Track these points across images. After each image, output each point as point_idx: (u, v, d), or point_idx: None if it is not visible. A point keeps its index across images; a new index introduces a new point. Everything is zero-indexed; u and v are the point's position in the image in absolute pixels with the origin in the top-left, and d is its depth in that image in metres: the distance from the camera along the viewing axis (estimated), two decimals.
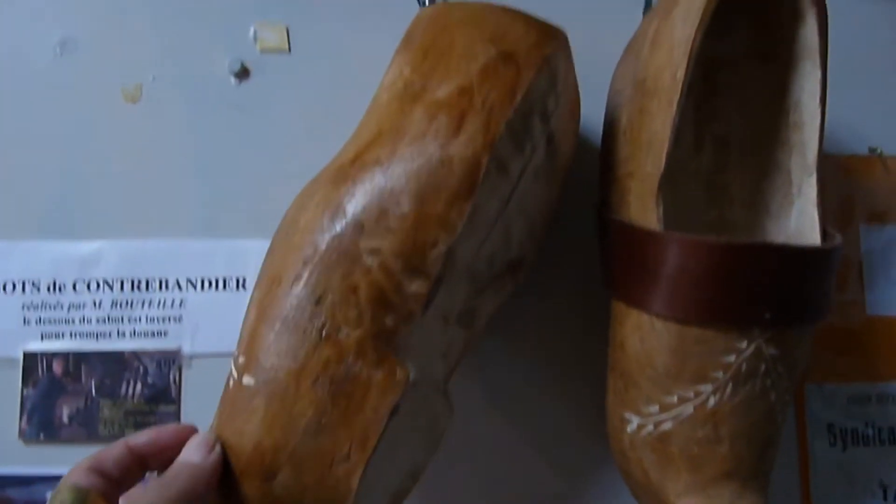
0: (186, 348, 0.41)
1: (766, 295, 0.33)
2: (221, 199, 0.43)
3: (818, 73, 0.38)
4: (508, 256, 0.35)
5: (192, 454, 0.30)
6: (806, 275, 0.34)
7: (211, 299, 0.42)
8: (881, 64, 0.47)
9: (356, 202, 0.32)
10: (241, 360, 0.32)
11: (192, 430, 0.32)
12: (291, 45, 0.45)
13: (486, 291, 0.35)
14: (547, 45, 0.34)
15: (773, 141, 0.41)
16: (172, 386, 0.41)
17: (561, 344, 0.43)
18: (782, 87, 0.40)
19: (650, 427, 0.35)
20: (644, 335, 0.35)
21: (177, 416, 0.41)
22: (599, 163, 0.42)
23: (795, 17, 0.38)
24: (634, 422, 0.36)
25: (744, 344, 0.34)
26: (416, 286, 0.31)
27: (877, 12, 0.48)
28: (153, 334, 0.41)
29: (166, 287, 0.42)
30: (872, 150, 0.47)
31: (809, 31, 0.38)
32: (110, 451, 0.30)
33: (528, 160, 0.34)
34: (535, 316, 0.43)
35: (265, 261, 0.34)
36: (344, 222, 0.31)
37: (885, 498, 0.44)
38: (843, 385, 0.44)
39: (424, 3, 0.40)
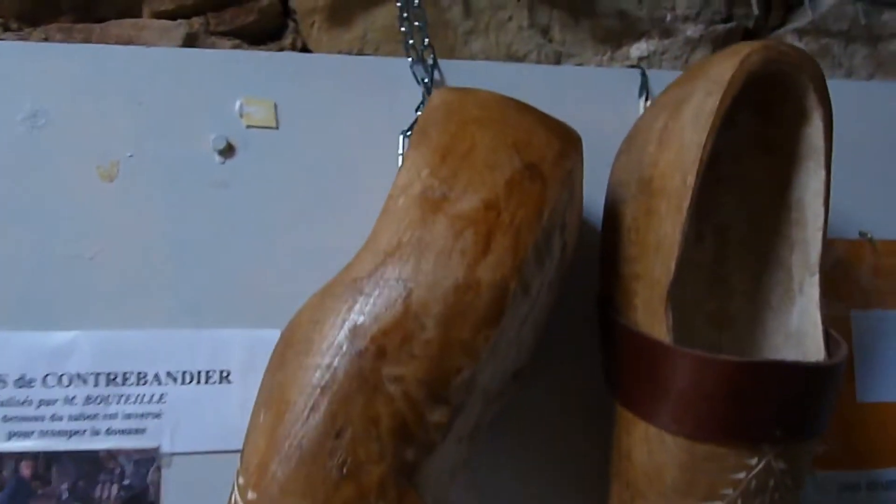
0: (166, 446, 0.39)
1: (778, 412, 0.33)
2: (204, 286, 0.41)
3: (822, 174, 0.38)
4: (515, 367, 0.34)
5: None
6: (817, 390, 0.34)
7: (193, 393, 0.40)
8: (872, 149, 0.48)
9: (377, 323, 0.30)
10: (253, 496, 0.29)
11: None
12: (279, 120, 0.43)
13: (492, 405, 0.34)
14: (569, 156, 0.33)
15: (774, 235, 0.40)
16: (151, 487, 0.39)
17: (554, 443, 0.42)
18: (785, 182, 0.40)
19: None
20: (652, 448, 0.34)
21: None
22: (601, 255, 0.41)
23: (801, 116, 0.38)
24: None
25: (754, 460, 0.33)
26: (438, 415, 0.30)
27: (864, 96, 0.49)
28: (130, 432, 0.39)
29: (145, 381, 0.39)
30: (863, 235, 0.47)
31: (815, 131, 0.37)
32: None
33: (546, 276, 0.33)
34: (528, 411, 0.42)
35: (272, 376, 0.32)
36: (364, 345, 0.29)
37: None
38: (835, 473, 0.44)
39: (426, 83, 0.39)
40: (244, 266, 0.41)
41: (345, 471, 0.29)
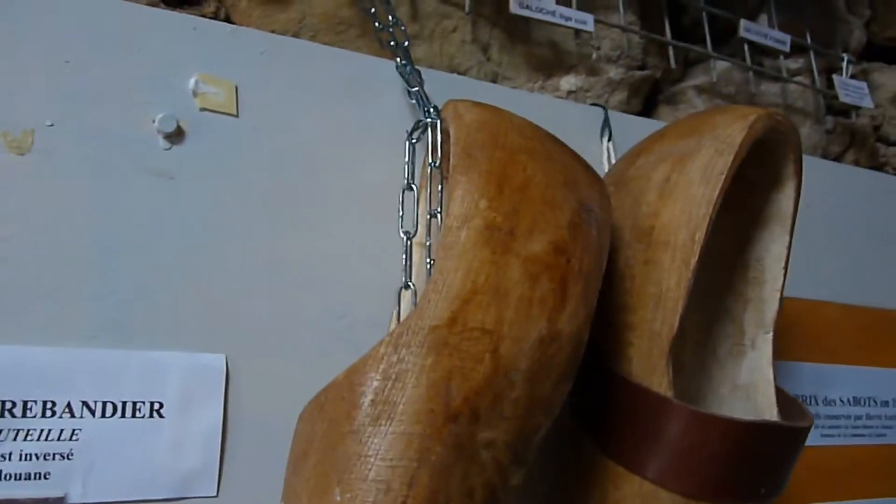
0: (75, 496, 0.31)
1: (766, 471, 0.34)
2: (135, 297, 0.33)
3: (786, 239, 0.40)
4: None
5: None
6: (796, 449, 0.35)
7: (114, 430, 0.32)
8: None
9: (468, 384, 0.26)
10: None
11: None
12: (240, 106, 0.36)
13: None
14: (608, 198, 0.32)
15: (727, 289, 0.42)
16: None
17: None
18: (745, 241, 0.41)
19: None
20: None
21: None
22: None
23: (775, 182, 0.40)
24: None
25: None
26: (516, 478, 0.27)
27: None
28: (30, 477, 0.31)
29: (52, 412, 0.31)
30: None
31: (786, 198, 0.40)
32: None
33: None
34: None
35: (340, 442, 0.26)
36: (457, 408, 0.26)
37: None
38: None
39: (429, 111, 0.35)
40: (186, 276, 0.34)
41: None
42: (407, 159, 0.35)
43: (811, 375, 0.52)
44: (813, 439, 0.51)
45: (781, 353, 0.51)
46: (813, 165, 0.56)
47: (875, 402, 0.54)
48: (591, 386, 0.37)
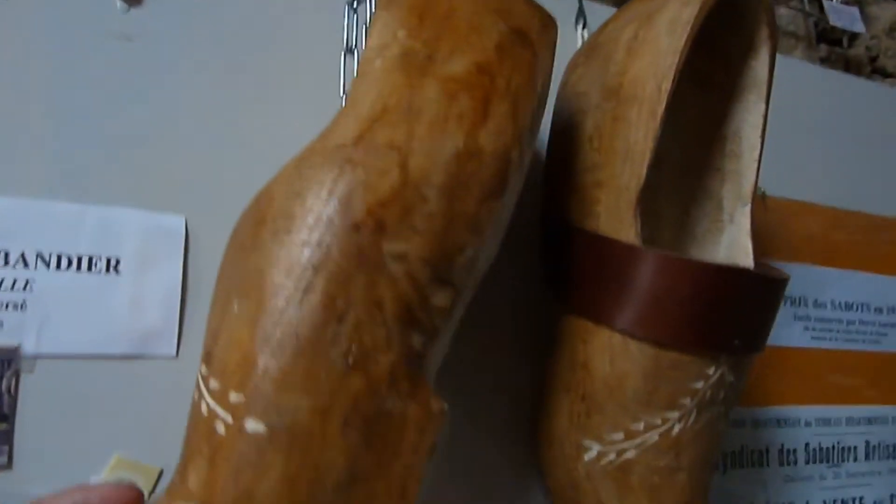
0: (29, 346, 0.31)
1: (740, 321, 0.33)
2: (93, 154, 0.33)
3: (762, 107, 0.39)
4: (492, 260, 0.31)
5: None
6: (771, 303, 0.34)
7: (69, 283, 0.32)
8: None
9: (373, 195, 0.25)
10: (237, 398, 0.24)
11: (133, 494, 0.23)
12: None
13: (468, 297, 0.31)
14: (551, 30, 0.31)
15: (704, 167, 0.41)
16: (5, 397, 0.30)
17: (484, 361, 0.39)
18: (720, 117, 0.40)
19: (612, 456, 0.33)
20: (615, 356, 0.33)
21: (8, 438, 0.30)
22: (547, 171, 0.39)
23: (749, 49, 0.39)
24: (594, 450, 0.33)
25: (712, 370, 0.33)
26: (441, 298, 0.26)
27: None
28: None
29: (5, 261, 0.31)
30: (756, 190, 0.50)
31: (760, 64, 0.39)
32: None
33: (531, 152, 0.30)
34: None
35: (243, 260, 0.26)
36: (361, 219, 0.25)
37: None
38: None
39: None
40: (146, 137, 0.34)
41: (350, 360, 0.24)
42: (346, 22, 0.34)
43: (800, 277, 0.50)
44: (803, 341, 0.49)
45: (769, 253, 0.49)
46: (805, 70, 0.55)
47: (869, 308, 0.53)
48: (559, 249, 0.36)
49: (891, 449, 0.52)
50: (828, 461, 0.49)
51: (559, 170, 0.38)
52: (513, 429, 0.39)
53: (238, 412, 0.24)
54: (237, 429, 0.24)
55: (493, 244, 0.29)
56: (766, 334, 0.35)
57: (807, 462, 0.49)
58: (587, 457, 0.33)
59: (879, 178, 0.55)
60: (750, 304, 0.33)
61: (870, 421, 0.51)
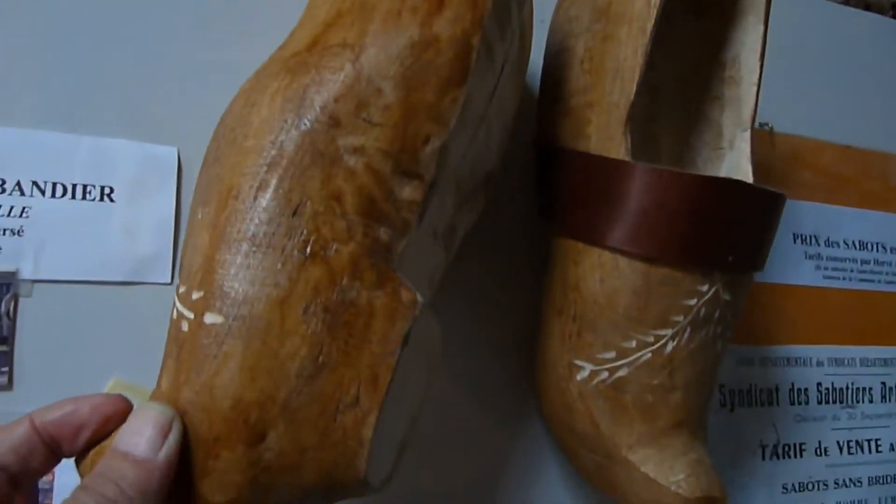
0: (27, 271, 0.32)
1: (733, 236, 0.32)
2: (86, 85, 0.34)
3: (760, 29, 0.38)
4: (487, 166, 0.31)
5: (138, 443, 0.22)
6: (767, 219, 0.34)
7: (64, 210, 0.32)
8: (776, 42, 0.49)
9: (325, 92, 0.25)
10: (198, 295, 0.25)
11: (123, 404, 0.24)
12: None
13: (465, 205, 0.31)
14: None
15: (703, 95, 0.40)
16: (4, 320, 0.31)
17: (476, 286, 0.39)
18: (718, 43, 0.40)
19: (604, 374, 0.33)
20: (605, 275, 0.32)
21: (8, 360, 0.31)
22: (541, 95, 0.39)
23: None
24: (587, 369, 0.33)
25: (705, 287, 0.32)
26: (409, 191, 0.26)
27: None
28: None
29: (3, 189, 0.32)
30: (763, 125, 0.49)
31: None
32: (10, 431, 0.22)
33: (508, 48, 0.30)
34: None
35: (207, 174, 0.27)
36: (314, 116, 0.25)
37: (763, 457, 0.45)
38: (733, 347, 0.45)
39: None
40: (139, 69, 0.34)
41: (309, 250, 0.24)
42: None
43: (811, 214, 0.49)
44: (814, 280, 0.49)
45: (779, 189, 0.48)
46: (818, 6, 0.54)
47: (885, 248, 0.52)
48: (551, 174, 0.36)
49: None
50: (841, 402, 0.48)
51: (552, 96, 0.37)
52: (514, 355, 0.39)
53: (198, 308, 0.24)
54: (198, 324, 0.24)
55: (466, 138, 0.28)
56: (764, 252, 0.34)
57: (819, 402, 0.48)
58: (579, 377, 0.33)
59: (894, 117, 0.54)
60: (743, 218, 0.32)
61: (885, 362, 0.50)
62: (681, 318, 0.32)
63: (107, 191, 0.33)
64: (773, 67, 0.49)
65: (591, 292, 0.33)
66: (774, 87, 0.49)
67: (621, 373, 0.32)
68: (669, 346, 0.32)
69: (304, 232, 0.25)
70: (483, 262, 0.39)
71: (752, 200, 0.32)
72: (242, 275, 0.24)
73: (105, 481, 0.21)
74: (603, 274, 0.32)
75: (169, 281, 0.34)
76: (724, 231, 0.32)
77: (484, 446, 0.38)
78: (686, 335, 0.32)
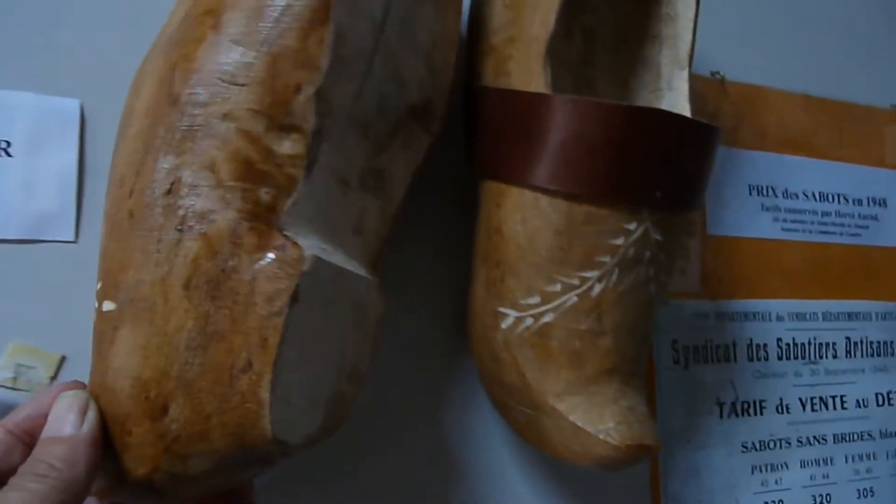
0: None
1: (660, 170, 0.30)
2: None
3: None
4: (407, 101, 0.29)
5: (62, 426, 0.24)
6: (697, 152, 0.32)
7: None
8: None
9: (191, 65, 0.26)
10: (99, 286, 0.26)
11: (79, 385, 0.26)
12: None
13: (391, 147, 0.29)
14: None
15: (641, 35, 0.39)
16: None
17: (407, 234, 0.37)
18: None
19: (529, 321, 0.31)
20: (527, 215, 0.31)
21: None
22: (468, 35, 0.37)
23: None
24: (511, 316, 0.31)
25: (633, 225, 0.31)
26: (289, 146, 0.25)
27: None
28: None
29: None
30: (714, 74, 0.47)
31: None
32: None
33: None
34: None
35: (110, 167, 0.28)
36: (182, 92, 0.26)
37: (721, 415, 0.44)
38: (687, 301, 0.44)
39: None
40: (38, 17, 0.33)
41: (184, 226, 0.25)
42: None
43: (767, 165, 0.47)
44: (772, 232, 0.47)
45: (732, 140, 0.47)
46: None
47: (846, 199, 0.50)
48: (474, 115, 0.34)
49: (875, 346, 0.49)
50: (803, 357, 0.47)
51: (477, 35, 0.35)
52: (451, 310, 0.37)
53: (100, 297, 0.26)
54: (99, 313, 0.26)
55: (353, 76, 0.27)
56: (697, 190, 0.33)
57: (779, 358, 0.46)
58: (504, 324, 0.31)
59: (854, 64, 0.52)
60: (670, 151, 0.30)
61: (850, 317, 0.49)
62: (607, 259, 0.30)
63: (3, 144, 0.31)
64: (724, 12, 0.48)
65: (512, 234, 0.31)
66: (726, 33, 0.48)
67: (546, 318, 0.31)
68: (597, 289, 0.30)
69: (181, 209, 0.25)
70: (424, 217, 0.37)
71: (679, 132, 0.31)
72: (126, 260, 0.25)
73: (37, 463, 0.23)
74: (524, 214, 0.31)
75: (73, 238, 0.32)
76: (650, 165, 0.30)
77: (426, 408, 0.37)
78: (614, 277, 0.31)
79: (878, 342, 0.49)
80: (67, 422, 0.24)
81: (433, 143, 0.32)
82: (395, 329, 0.35)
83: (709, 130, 0.32)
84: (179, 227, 0.25)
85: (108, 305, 0.26)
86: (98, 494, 0.26)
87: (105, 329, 0.26)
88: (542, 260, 0.30)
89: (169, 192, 0.25)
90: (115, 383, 0.25)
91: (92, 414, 0.24)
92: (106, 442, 0.25)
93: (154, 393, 0.24)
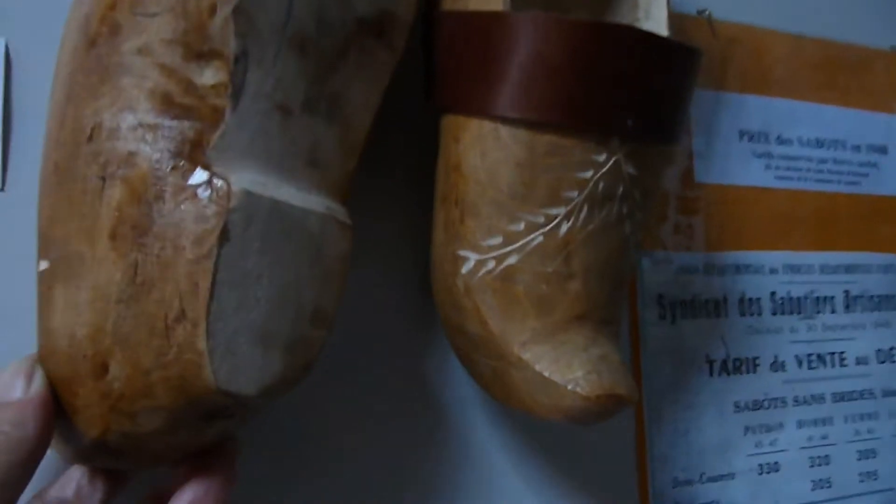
0: None
1: (630, 93, 0.28)
2: None
3: None
4: (354, 13, 0.26)
5: (9, 392, 0.23)
6: (673, 77, 0.29)
7: None
8: None
9: (102, 3, 0.24)
10: (37, 246, 0.25)
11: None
12: None
13: (342, 68, 0.26)
14: None
15: None
16: None
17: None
18: None
19: (491, 264, 0.28)
20: (486, 148, 0.28)
21: None
22: None
23: None
24: (472, 259, 0.29)
25: (602, 157, 0.28)
26: (210, 74, 0.23)
27: None
28: None
29: None
30: (701, 13, 0.44)
31: None
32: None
33: None
34: None
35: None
36: (96, 31, 0.24)
37: (711, 373, 0.41)
38: (673, 253, 0.41)
39: None
40: None
41: (107, 172, 0.23)
42: None
43: (759, 110, 0.45)
44: (764, 180, 0.44)
45: (720, 83, 0.44)
46: None
47: (844, 145, 0.47)
48: (430, 47, 0.32)
49: (876, 300, 0.47)
50: (799, 312, 0.44)
51: None
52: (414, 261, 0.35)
53: (39, 258, 0.25)
54: (38, 273, 0.25)
55: None
56: (675, 120, 0.30)
57: (773, 313, 0.43)
58: (464, 269, 0.29)
59: (852, 2, 0.49)
60: (641, 73, 0.28)
61: (848, 269, 0.46)
62: (575, 194, 0.28)
63: None
64: None
65: (471, 170, 0.28)
66: None
67: (510, 261, 0.28)
68: (564, 227, 0.28)
69: (101, 155, 0.23)
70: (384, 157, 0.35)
71: (652, 52, 0.28)
72: (54, 216, 0.24)
73: None
74: (483, 148, 0.28)
75: (0, 187, 0.30)
76: (619, 89, 0.27)
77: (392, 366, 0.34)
78: (583, 214, 0.28)
79: (880, 296, 0.47)
80: (14, 387, 0.23)
81: (401, 62, 0.29)
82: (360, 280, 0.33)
83: (686, 51, 0.29)
84: (101, 175, 0.24)
85: (42, 265, 0.25)
86: (70, 460, 0.26)
87: (42, 290, 0.25)
88: (504, 197, 0.28)
89: (90, 138, 0.24)
90: (55, 344, 0.24)
91: (38, 375, 0.24)
92: (60, 407, 0.24)
93: (91, 351, 0.23)
